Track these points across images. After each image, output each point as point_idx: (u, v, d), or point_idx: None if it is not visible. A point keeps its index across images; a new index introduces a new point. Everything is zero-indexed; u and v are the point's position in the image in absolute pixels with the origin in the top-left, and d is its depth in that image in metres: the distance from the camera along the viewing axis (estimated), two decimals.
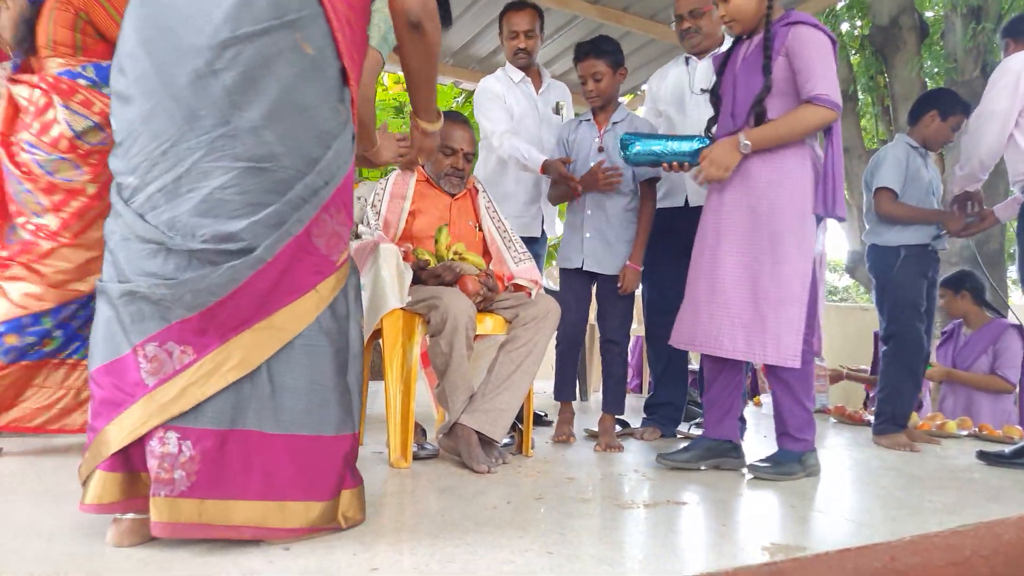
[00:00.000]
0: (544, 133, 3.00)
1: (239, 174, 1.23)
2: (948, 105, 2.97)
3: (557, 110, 3.08)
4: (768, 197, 2.04)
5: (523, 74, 3.03)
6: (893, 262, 2.90)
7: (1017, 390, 3.73)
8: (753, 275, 2.03)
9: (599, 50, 2.54)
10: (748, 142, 2.02)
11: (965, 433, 3.30)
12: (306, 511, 1.28)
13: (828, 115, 1.99)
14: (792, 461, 2.05)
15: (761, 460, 2.10)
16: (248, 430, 1.24)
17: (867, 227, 3.05)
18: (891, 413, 2.89)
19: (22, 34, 2.01)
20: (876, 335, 5.06)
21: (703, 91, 2.67)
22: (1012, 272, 6.18)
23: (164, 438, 1.20)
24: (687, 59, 2.85)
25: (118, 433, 1.21)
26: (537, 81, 3.07)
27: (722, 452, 2.16)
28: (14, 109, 2.00)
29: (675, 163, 2.24)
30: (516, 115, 2.98)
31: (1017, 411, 3.75)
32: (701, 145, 2.19)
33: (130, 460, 1.23)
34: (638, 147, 2.25)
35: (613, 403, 2.59)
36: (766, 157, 2.06)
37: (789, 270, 2.00)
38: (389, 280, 2.01)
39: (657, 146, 2.25)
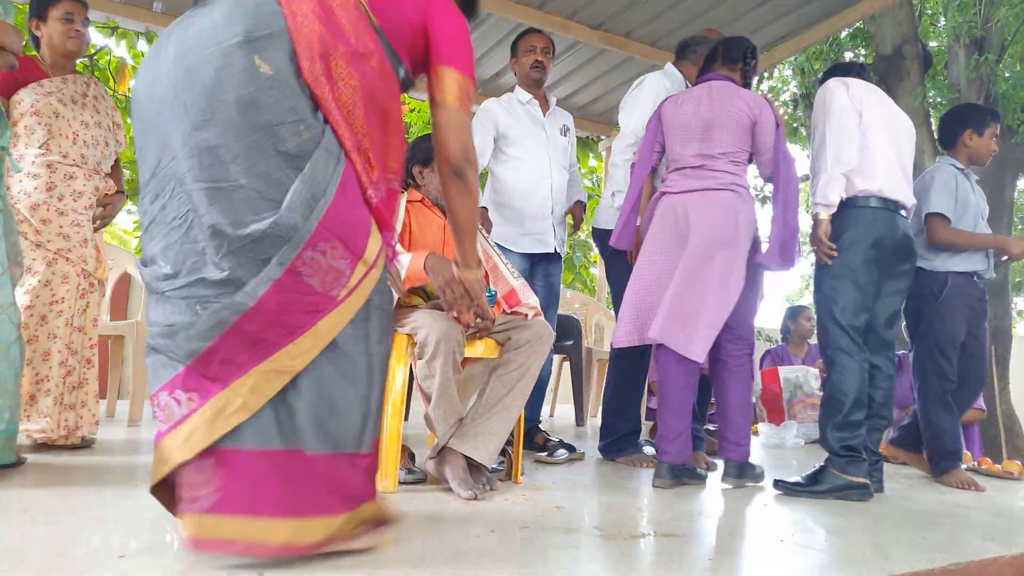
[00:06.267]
0: (552, 154, 3.06)
1: (207, 195, 1.22)
2: (979, 119, 2.83)
3: (564, 132, 3.15)
4: None
5: (531, 96, 3.09)
6: (938, 291, 2.71)
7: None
8: None
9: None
10: None
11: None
12: (326, 525, 1.26)
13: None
14: None
15: None
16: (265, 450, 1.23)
17: None
18: (942, 451, 2.77)
19: None
20: None
21: None
22: (1017, 303, 6.12)
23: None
24: None
25: (153, 475, 1.27)
26: (544, 105, 3.14)
27: None
28: None
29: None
30: (518, 135, 3.01)
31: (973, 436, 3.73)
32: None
33: None
34: None
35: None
36: None
37: None
38: None
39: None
